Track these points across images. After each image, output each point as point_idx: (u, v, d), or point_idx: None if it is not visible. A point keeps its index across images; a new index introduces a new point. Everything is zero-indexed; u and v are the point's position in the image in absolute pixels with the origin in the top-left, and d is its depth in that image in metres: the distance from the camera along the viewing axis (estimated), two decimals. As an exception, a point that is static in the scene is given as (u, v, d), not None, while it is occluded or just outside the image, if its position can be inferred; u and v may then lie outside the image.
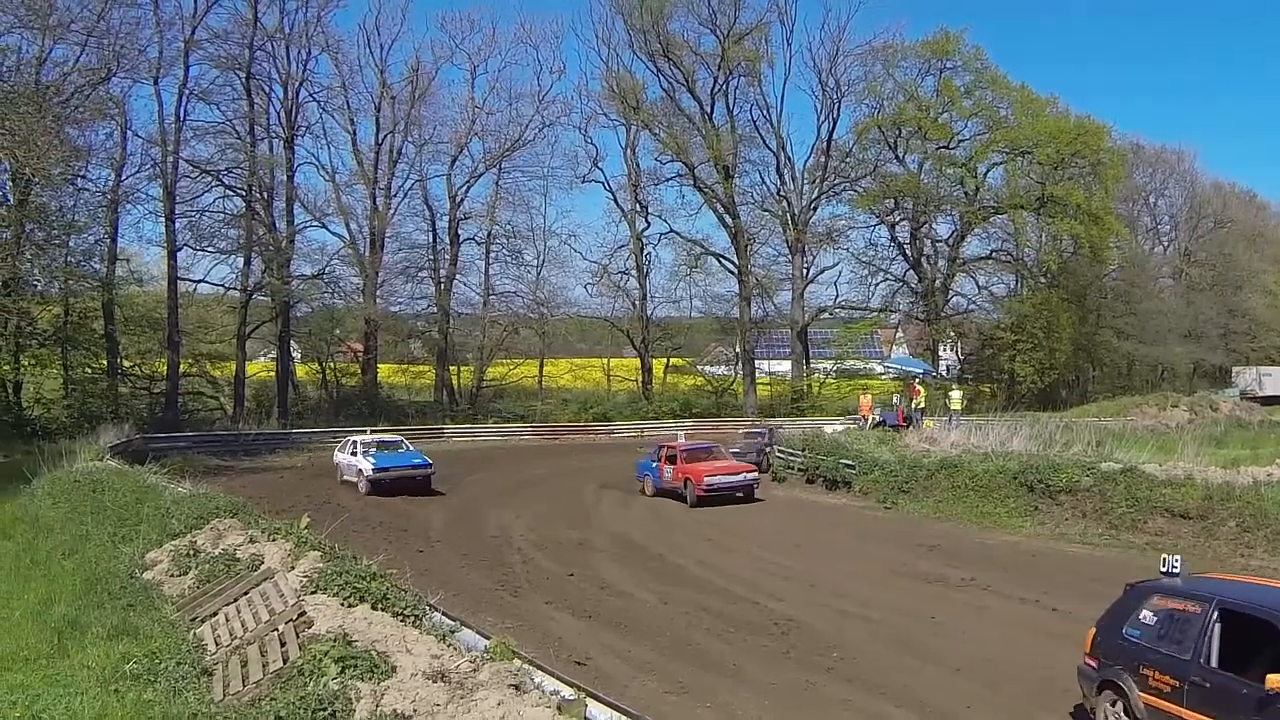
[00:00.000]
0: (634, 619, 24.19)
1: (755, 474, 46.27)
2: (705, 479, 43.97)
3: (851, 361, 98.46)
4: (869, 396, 68.70)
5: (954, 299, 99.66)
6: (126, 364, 69.97)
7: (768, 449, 53.41)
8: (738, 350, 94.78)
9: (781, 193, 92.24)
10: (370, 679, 13.07)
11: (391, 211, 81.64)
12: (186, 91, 70.36)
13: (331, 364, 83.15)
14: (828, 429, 59.82)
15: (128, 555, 23.56)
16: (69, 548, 25.25)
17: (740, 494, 44.79)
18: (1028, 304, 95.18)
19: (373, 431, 57.44)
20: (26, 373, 64.64)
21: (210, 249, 73.71)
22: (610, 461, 58.65)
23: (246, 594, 18.00)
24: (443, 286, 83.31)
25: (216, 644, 16.57)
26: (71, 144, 56.24)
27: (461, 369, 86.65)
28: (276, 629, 15.64)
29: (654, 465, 47.54)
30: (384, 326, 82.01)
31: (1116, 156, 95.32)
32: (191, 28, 69.48)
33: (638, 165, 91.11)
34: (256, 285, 74.51)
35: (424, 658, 13.73)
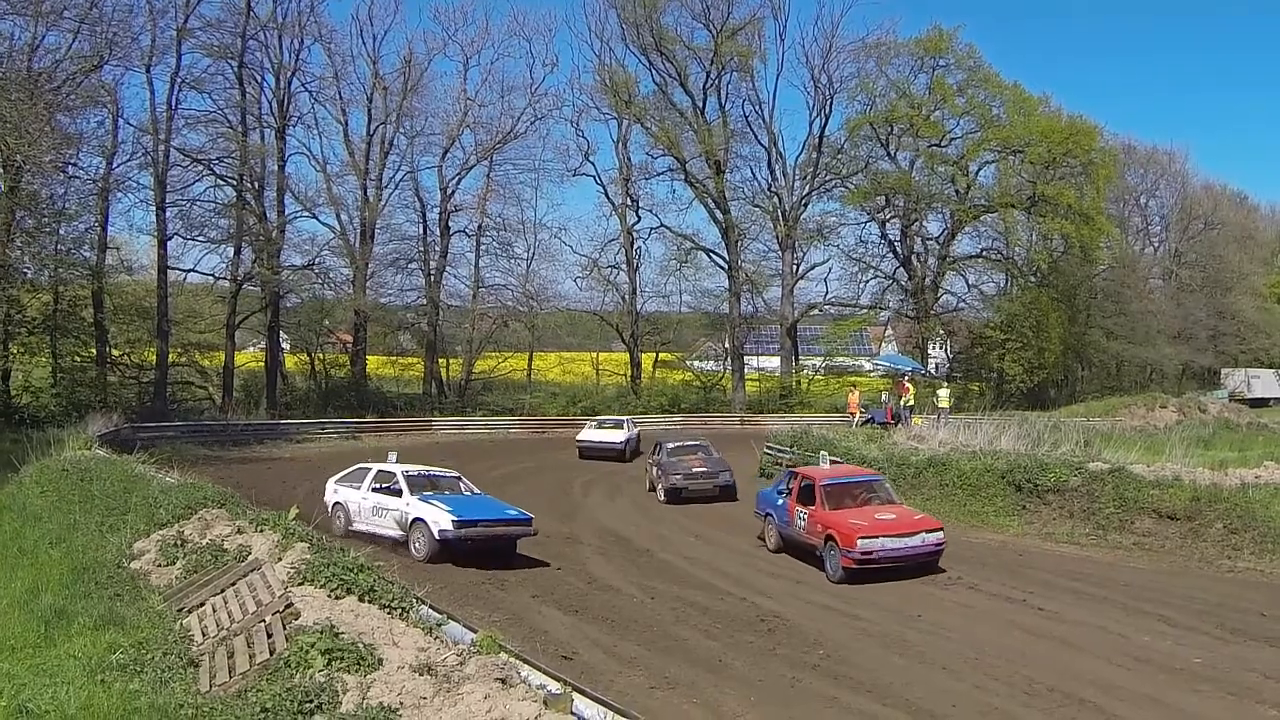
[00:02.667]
0: (621, 613, 24.22)
1: (940, 535, 29.40)
2: (860, 540, 28.25)
3: (841, 358, 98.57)
4: (857, 394, 68.76)
5: (944, 297, 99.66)
6: (115, 353, 69.66)
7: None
8: (727, 346, 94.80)
9: (773, 188, 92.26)
10: (357, 671, 13.10)
11: (382, 203, 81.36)
12: (178, 80, 70.13)
13: (321, 355, 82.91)
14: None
15: (115, 545, 23.58)
16: (56, 536, 25.21)
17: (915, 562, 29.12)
18: (1017, 303, 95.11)
19: (396, 459, 36.49)
20: (15, 361, 64.43)
21: (201, 238, 73.46)
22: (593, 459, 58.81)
23: (234, 585, 18.02)
24: (433, 278, 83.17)
25: (203, 635, 16.57)
26: (63, 131, 55.99)
27: (450, 361, 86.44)
28: (263, 620, 15.65)
29: (780, 501, 32.79)
30: (373, 318, 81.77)
31: (1108, 157, 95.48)
32: (184, 16, 69.20)
33: (629, 159, 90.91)
34: (246, 275, 74.28)
35: (411, 650, 13.75)
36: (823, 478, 32.42)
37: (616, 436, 59.84)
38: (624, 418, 66.09)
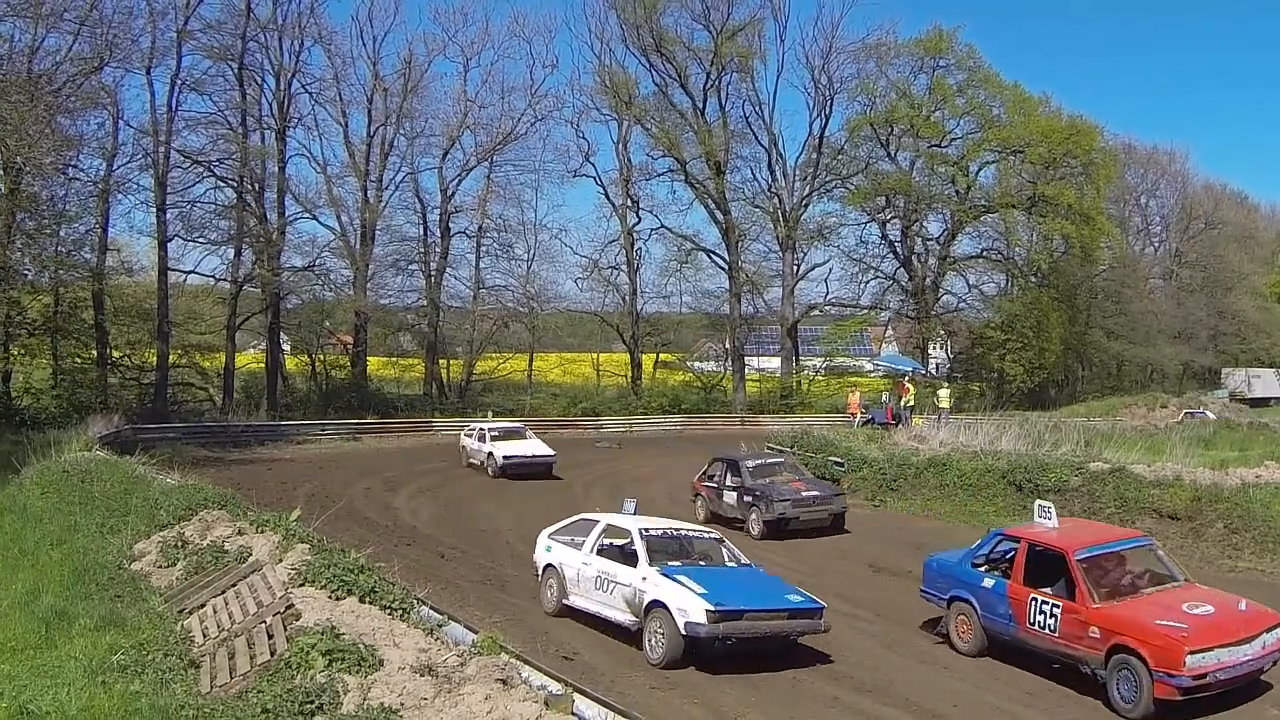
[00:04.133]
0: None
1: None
2: (1189, 656, 18.11)
3: (841, 359, 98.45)
4: (857, 394, 68.74)
5: (944, 297, 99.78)
6: (116, 354, 69.66)
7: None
8: (727, 346, 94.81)
9: (773, 189, 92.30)
10: (358, 672, 13.09)
11: (383, 204, 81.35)
12: (179, 82, 70.13)
13: (321, 356, 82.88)
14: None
15: (116, 546, 23.59)
16: (57, 538, 25.18)
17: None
18: (1018, 303, 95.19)
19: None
20: (16, 362, 64.45)
21: (201, 240, 73.43)
22: (594, 457, 58.83)
23: (234, 586, 18.02)
24: (433, 280, 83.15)
25: (204, 636, 16.58)
26: (63, 133, 55.87)
27: (451, 362, 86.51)
28: (264, 621, 15.65)
29: (989, 582, 21.94)
30: (374, 319, 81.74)
31: (1108, 157, 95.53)
32: (184, 18, 69.18)
33: (629, 160, 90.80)
34: (247, 277, 74.24)
35: (411, 651, 13.75)
36: (1076, 546, 20.87)
37: (542, 448, 52.45)
38: (517, 423, 60.29)
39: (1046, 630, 20.09)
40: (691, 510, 37.89)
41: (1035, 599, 20.41)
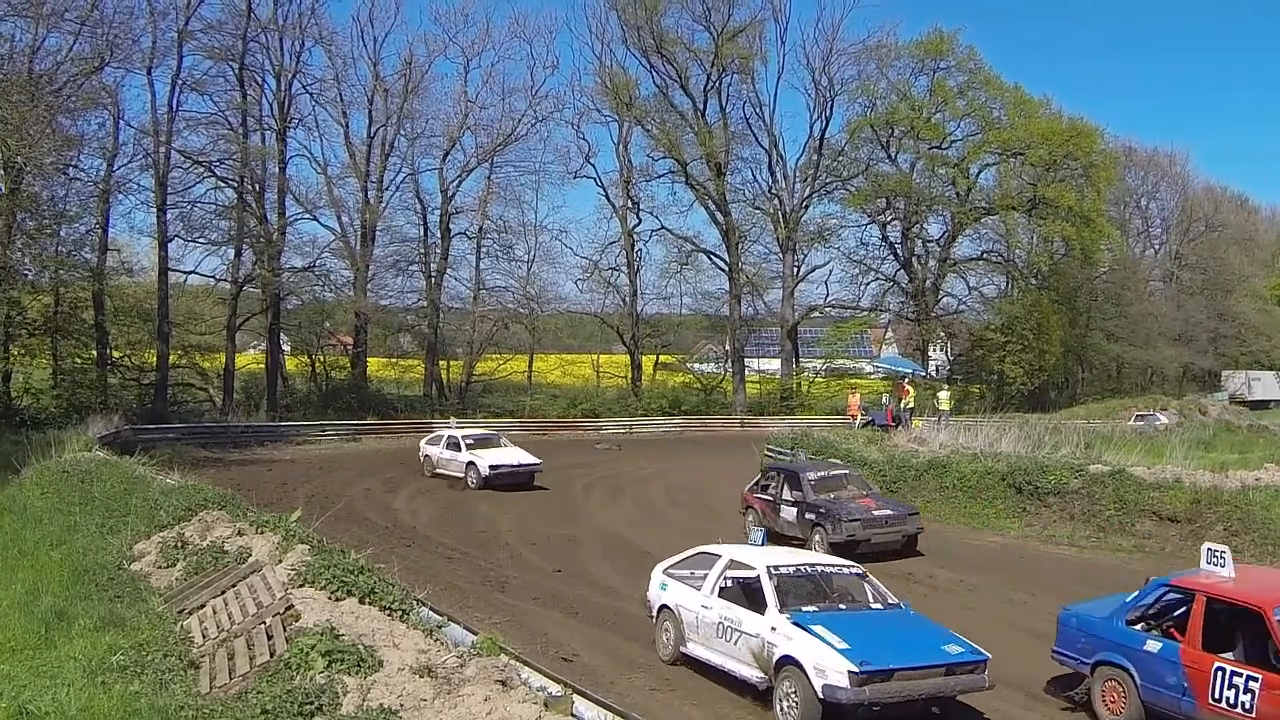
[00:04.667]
0: (621, 615, 24.22)
1: None
2: None
3: (841, 361, 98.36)
4: (857, 396, 68.75)
5: (944, 299, 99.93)
6: (116, 354, 69.63)
7: None
8: (727, 348, 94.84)
9: (773, 191, 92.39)
10: (357, 673, 13.10)
11: (383, 205, 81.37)
12: (179, 82, 70.12)
13: (321, 357, 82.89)
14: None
15: (116, 546, 23.62)
16: (57, 538, 25.21)
17: None
18: (1018, 305, 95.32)
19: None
20: (16, 362, 64.42)
21: (201, 240, 73.42)
22: (594, 458, 58.88)
23: (234, 586, 18.03)
24: (433, 281, 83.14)
25: (204, 636, 16.59)
26: (64, 133, 55.97)
27: (451, 363, 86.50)
28: (264, 622, 15.66)
29: (1153, 646, 17.98)
30: (374, 320, 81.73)
31: (1108, 159, 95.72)
32: (185, 18, 69.18)
33: (630, 161, 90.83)
34: (247, 277, 74.23)
35: (411, 652, 13.76)
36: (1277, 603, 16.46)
37: (526, 456, 48.70)
38: (489, 432, 54.40)
39: (1239, 709, 16.06)
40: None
41: (1222, 669, 16.43)
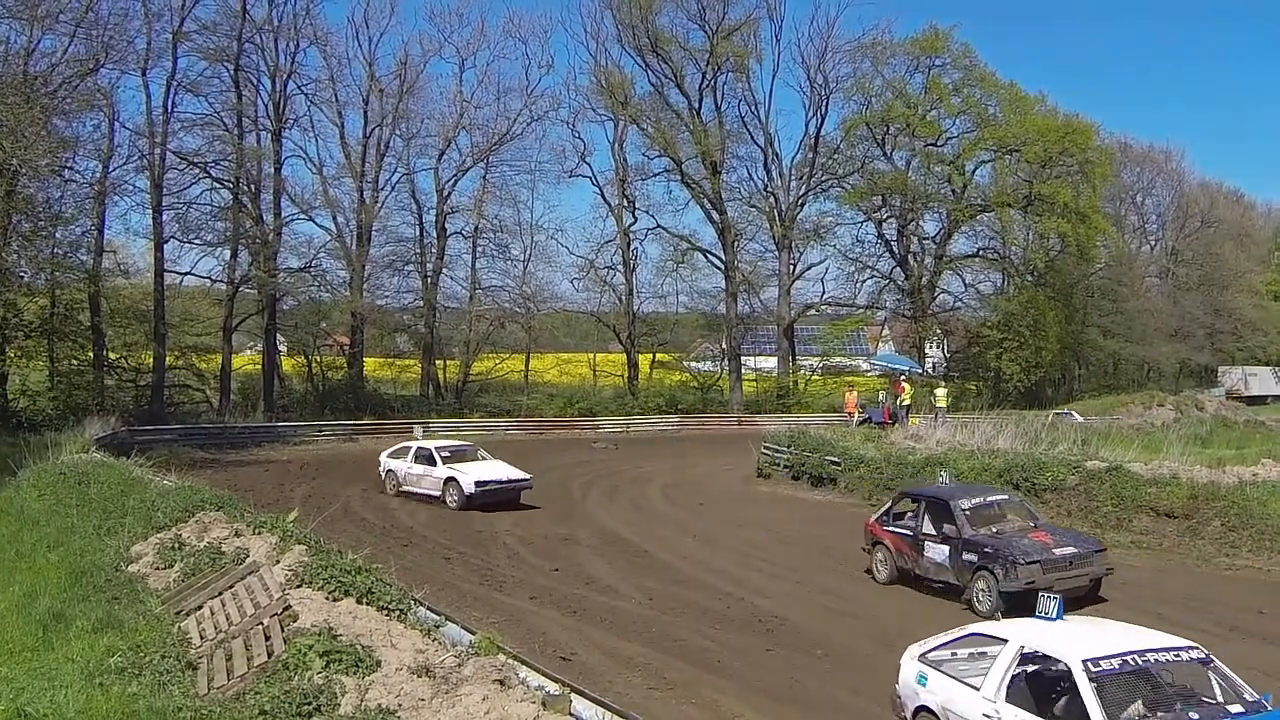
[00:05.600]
0: (619, 614, 24.21)
1: None
2: None
3: (837, 358, 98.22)
4: (854, 393, 68.74)
5: (940, 296, 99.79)
6: (112, 356, 69.66)
7: None
8: (724, 346, 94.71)
9: (769, 189, 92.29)
10: (355, 673, 13.12)
11: (379, 205, 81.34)
12: (174, 83, 70.11)
13: (317, 357, 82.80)
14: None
15: (113, 548, 23.60)
16: (54, 540, 25.22)
17: None
18: (1014, 302, 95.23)
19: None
20: (12, 364, 64.38)
21: (197, 241, 73.49)
22: (591, 457, 58.87)
23: (231, 587, 18.04)
24: (429, 280, 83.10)
25: (201, 637, 16.60)
26: (59, 135, 56.00)
27: (447, 363, 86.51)
28: (261, 623, 15.68)
29: None
30: (370, 320, 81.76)
31: (1104, 155, 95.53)
32: (180, 19, 69.15)
33: (625, 160, 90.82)
34: (243, 278, 74.25)
35: (409, 652, 13.77)
36: None
37: (513, 470, 42.77)
38: (465, 444, 47.20)
39: None
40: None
41: None
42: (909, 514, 28.95)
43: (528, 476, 42.54)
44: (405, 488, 43.17)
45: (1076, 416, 65.22)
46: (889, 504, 30.27)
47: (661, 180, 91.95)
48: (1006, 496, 29.52)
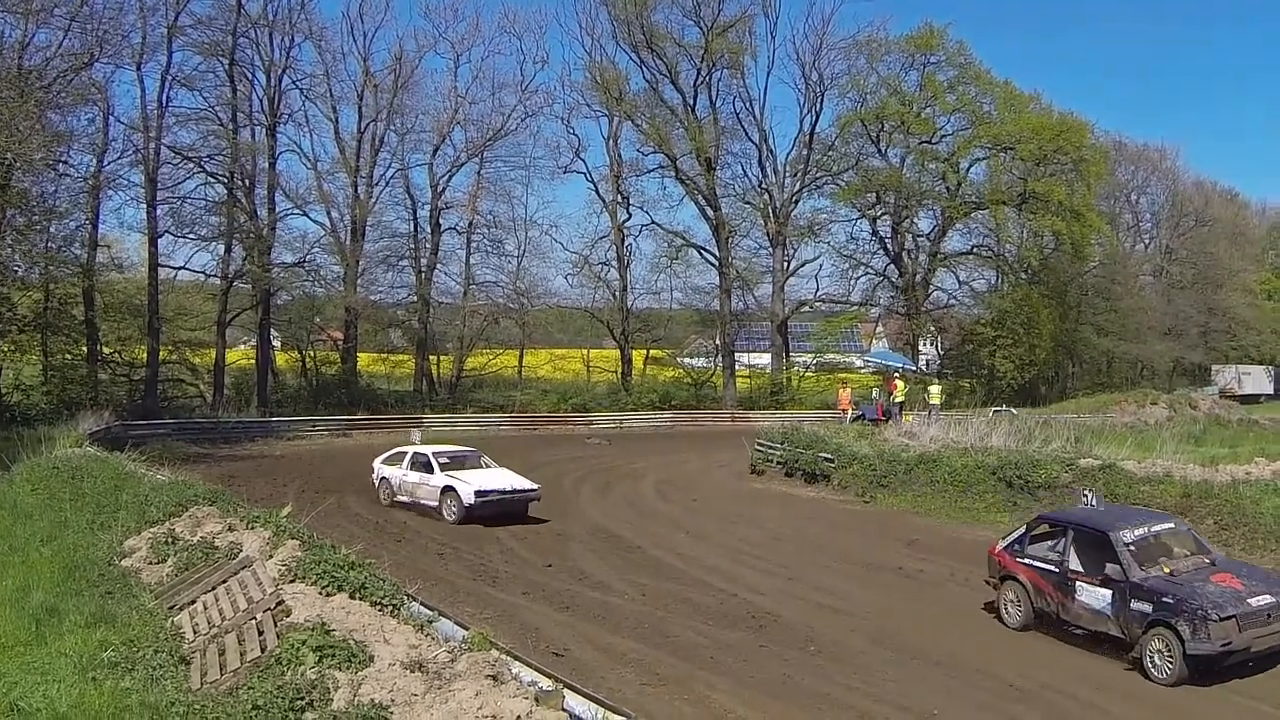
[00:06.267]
0: (612, 610, 24.20)
1: None
2: None
3: (831, 355, 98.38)
4: (848, 390, 68.80)
5: (934, 294, 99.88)
6: (106, 350, 69.61)
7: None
8: (717, 343, 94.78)
9: (763, 185, 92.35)
10: (348, 668, 13.12)
11: (373, 200, 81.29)
12: (169, 77, 69.97)
13: (311, 352, 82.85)
14: None
15: (106, 542, 23.57)
16: (47, 534, 25.19)
17: None
18: (1008, 299, 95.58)
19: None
20: (6, 359, 64.30)
21: (191, 236, 73.39)
22: (585, 453, 58.87)
23: (225, 582, 18.03)
24: (423, 276, 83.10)
25: (194, 632, 16.58)
26: (53, 129, 56.00)
27: (441, 358, 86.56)
28: (254, 617, 15.66)
29: None
30: (364, 315, 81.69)
31: (1099, 153, 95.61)
32: (175, 13, 68.97)
33: (620, 156, 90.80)
34: (237, 273, 74.25)
35: (402, 647, 13.78)
36: None
37: (519, 479, 38.55)
38: (467, 449, 41.56)
39: None
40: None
41: None
42: (1048, 543, 23.96)
43: (535, 487, 37.87)
44: (400, 498, 38.62)
45: (1013, 411, 65.22)
46: (1020, 530, 25.11)
47: (656, 176, 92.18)
48: (1172, 524, 24.05)
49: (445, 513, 36.12)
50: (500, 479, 37.60)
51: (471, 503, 35.64)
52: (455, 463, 38.34)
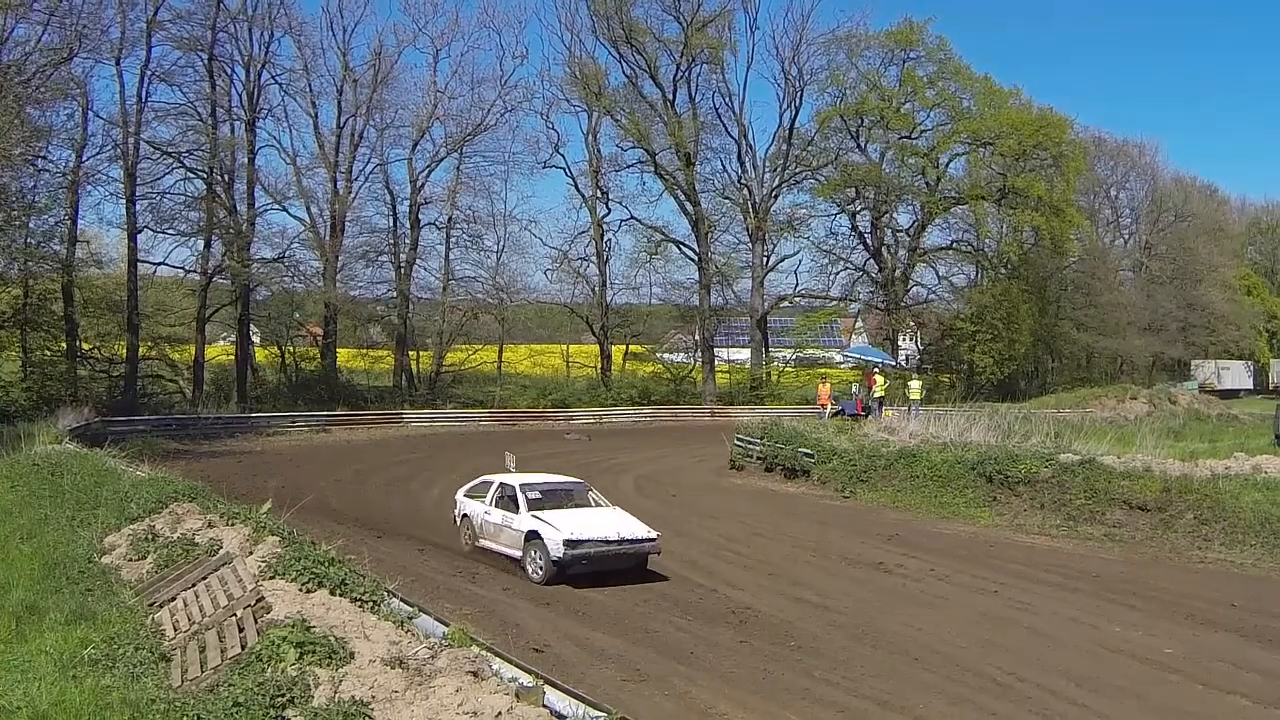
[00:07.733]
0: (592, 606, 24.17)
1: None
2: None
3: (811, 350, 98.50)
4: (828, 385, 68.88)
5: (914, 289, 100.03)
6: (86, 346, 69.50)
7: None
8: (697, 338, 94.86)
9: (743, 180, 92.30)
10: (328, 665, 13.09)
11: (352, 195, 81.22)
12: (148, 72, 70.00)
13: (291, 348, 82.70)
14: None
15: (86, 539, 23.49)
16: (26, 531, 25.10)
17: None
18: (988, 295, 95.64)
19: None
20: (-15, 355, 64.37)
21: (170, 231, 73.39)
22: (564, 449, 58.85)
23: (205, 579, 17.99)
24: (403, 271, 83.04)
25: (175, 629, 16.55)
26: (32, 124, 55.87)
27: (420, 354, 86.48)
28: (235, 614, 15.64)
29: None
30: (343, 310, 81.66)
31: (1078, 149, 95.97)
32: (154, 8, 68.94)
33: (599, 151, 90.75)
34: (216, 268, 74.14)
35: (382, 644, 13.75)
36: None
37: (632, 525, 28.28)
38: (571, 480, 32.09)
39: None
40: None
41: None
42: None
43: (653, 536, 27.92)
44: (483, 542, 29.98)
45: (918, 404, 65.33)
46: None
47: (635, 172, 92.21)
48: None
49: (530, 568, 27.24)
50: (604, 523, 27.90)
51: (560, 555, 26.35)
52: (549, 498, 29.43)
